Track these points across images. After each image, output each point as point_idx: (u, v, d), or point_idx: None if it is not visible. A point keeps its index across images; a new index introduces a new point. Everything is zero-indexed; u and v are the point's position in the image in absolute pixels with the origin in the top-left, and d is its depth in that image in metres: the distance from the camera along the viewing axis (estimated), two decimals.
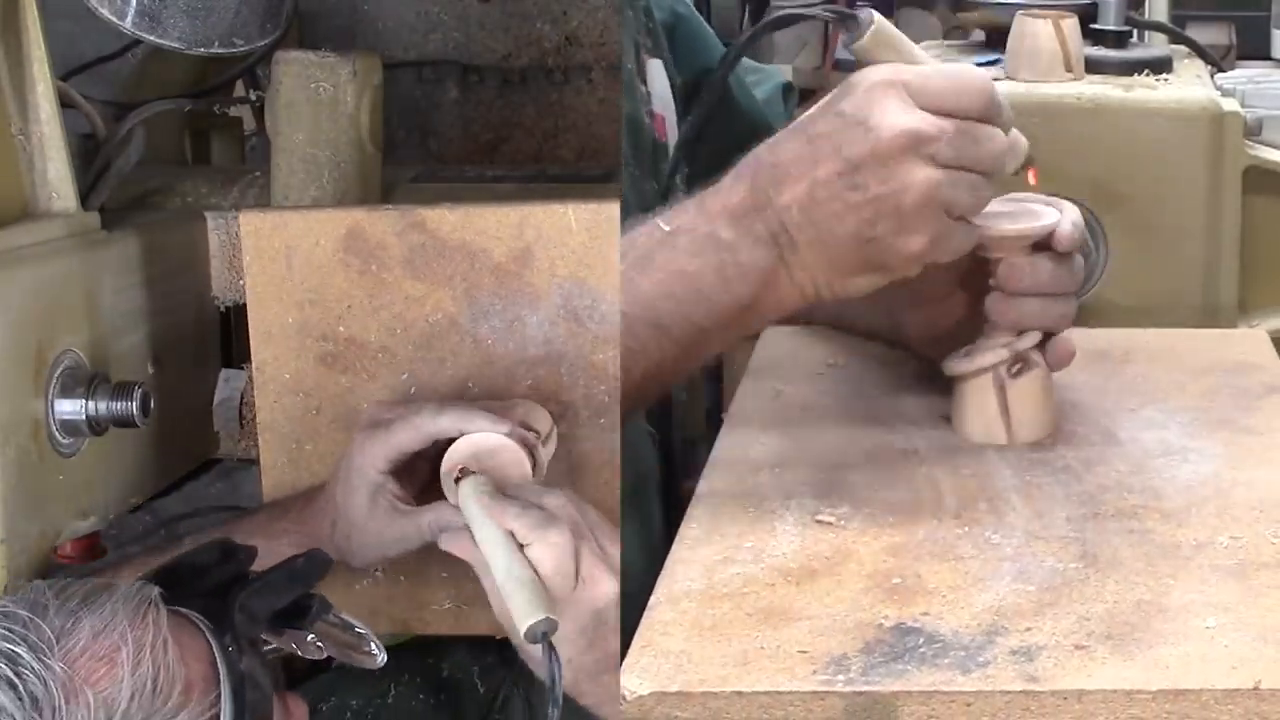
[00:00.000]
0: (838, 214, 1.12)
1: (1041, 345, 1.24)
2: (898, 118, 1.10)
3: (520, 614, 1.10)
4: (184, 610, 1.05)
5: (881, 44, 1.18)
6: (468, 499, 1.18)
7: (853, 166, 1.11)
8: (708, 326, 1.17)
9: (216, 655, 1.04)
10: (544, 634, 1.10)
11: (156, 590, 1.04)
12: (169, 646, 1.00)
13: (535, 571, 1.13)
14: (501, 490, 1.19)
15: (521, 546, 1.14)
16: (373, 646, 1.17)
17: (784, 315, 1.20)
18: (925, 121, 1.10)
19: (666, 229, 1.17)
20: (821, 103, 1.15)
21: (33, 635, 0.97)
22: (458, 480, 1.21)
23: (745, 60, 1.87)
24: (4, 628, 0.97)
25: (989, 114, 1.13)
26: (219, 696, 1.02)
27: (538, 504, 1.17)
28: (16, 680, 0.95)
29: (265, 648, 1.09)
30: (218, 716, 1.02)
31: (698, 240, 1.16)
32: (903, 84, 1.11)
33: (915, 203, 1.10)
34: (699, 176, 1.60)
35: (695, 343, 1.18)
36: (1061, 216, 1.22)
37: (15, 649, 0.96)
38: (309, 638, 1.13)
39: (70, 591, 1.02)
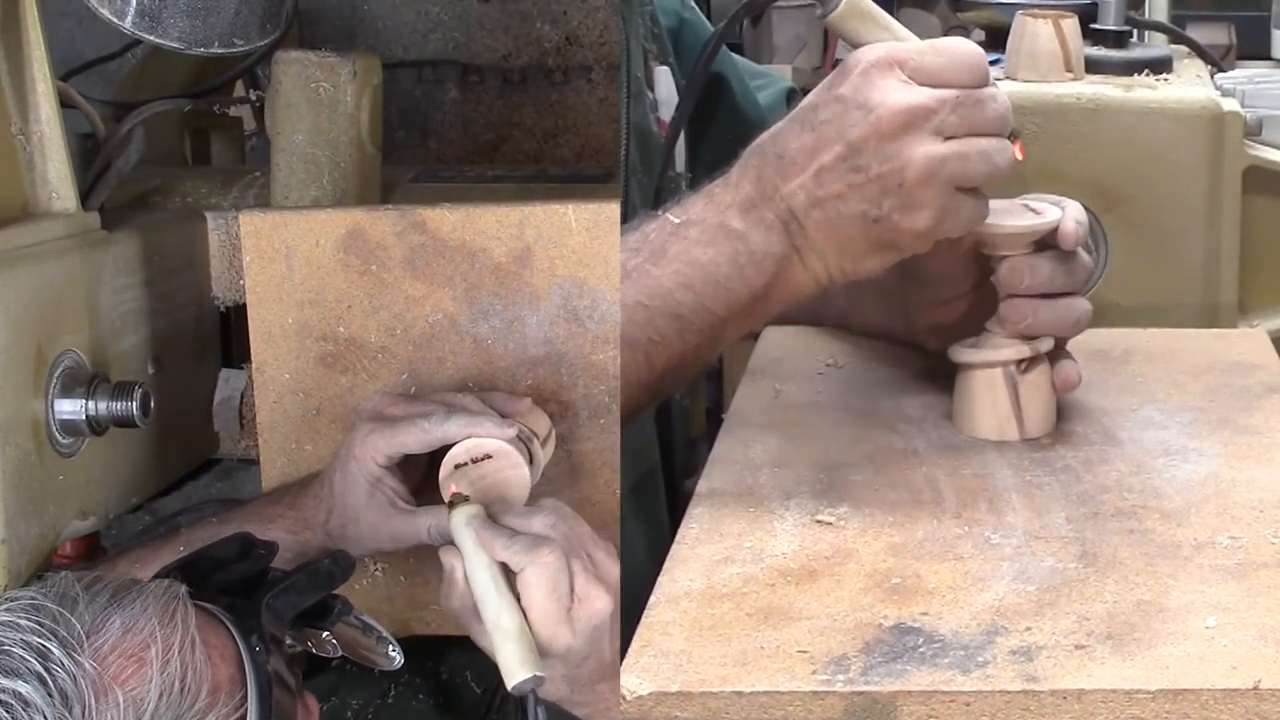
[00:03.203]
0: (843, 196, 1.13)
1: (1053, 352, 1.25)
2: (897, 96, 1.11)
3: (508, 670, 1.09)
4: (210, 607, 1.04)
5: (855, 15, 1.17)
6: (460, 531, 1.16)
7: (855, 149, 1.12)
8: (725, 315, 1.18)
9: (244, 656, 1.02)
10: (531, 690, 1.09)
11: (184, 588, 1.02)
12: (196, 646, 0.98)
13: (525, 618, 1.11)
14: (492, 518, 1.17)
15: (513, 576, 1.12)
16: (390, 649, 1.16)
17: (798, 302, 1.20)
18: (925, 95, 1.11)
19: (676, 221, 1.18)
20: (819, 88, 1.15)
21: (62, 630, 0.95)
22: (451, 506, 1.19)
23: (750, 65, 1.87)
24: (34, 620, 0.94)
25: (984, 82, 1.13)
26: (245, 697, 1.01)
27: (525, 530, 1.14)
28: (47, 676, 0.92)
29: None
30: (244, 718, 1.00)
31: (709, 230, 1.17)
32: (898, 62, 1.12)
33: (917, 178, 1.11)
34: (702, 181, 1.60)
35: (714, 331, 1.19)
36: (1064, 214, 1.23)
37: (46, 643, 0.93)
38: (325, 637, 1.13)
39: (99, 586, 1.00)
